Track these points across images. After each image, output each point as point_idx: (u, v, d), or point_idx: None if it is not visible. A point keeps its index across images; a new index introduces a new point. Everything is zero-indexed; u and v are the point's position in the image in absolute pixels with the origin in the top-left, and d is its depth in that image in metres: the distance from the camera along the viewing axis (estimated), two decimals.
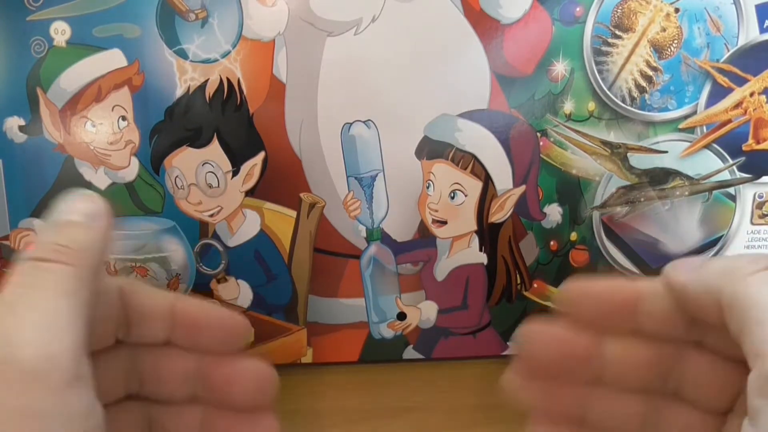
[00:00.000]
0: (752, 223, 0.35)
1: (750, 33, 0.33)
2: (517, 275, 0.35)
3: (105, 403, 0.25)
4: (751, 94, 0.33)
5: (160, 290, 0.27)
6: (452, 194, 0.34)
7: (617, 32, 0.33)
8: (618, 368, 0.26)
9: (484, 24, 0.33)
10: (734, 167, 0.34)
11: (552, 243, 0.35)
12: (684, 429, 0.26)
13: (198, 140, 0.33)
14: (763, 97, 0.33)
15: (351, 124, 0.33)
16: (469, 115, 0.33)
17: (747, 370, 0.24)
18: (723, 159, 0.34)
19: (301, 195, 0.34)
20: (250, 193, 0.34)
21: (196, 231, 0.34)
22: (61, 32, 0.32)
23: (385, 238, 0.34)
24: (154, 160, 0.33)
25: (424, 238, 0.35)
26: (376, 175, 0.34)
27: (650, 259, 0.35)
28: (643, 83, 0.33)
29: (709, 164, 0.34)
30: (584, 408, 0.27)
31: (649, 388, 0.26)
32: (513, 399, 0.27)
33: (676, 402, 0.26)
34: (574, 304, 0.26)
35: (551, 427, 0.28)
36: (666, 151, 0.34)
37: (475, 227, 0.34)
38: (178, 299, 0.26)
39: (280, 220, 0.34)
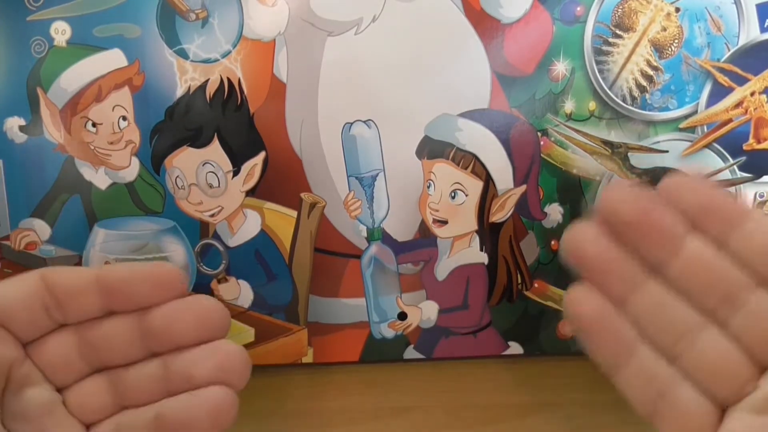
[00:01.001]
0: None
1: (751, 32, 0.33)
2: (518, 275, 0.35)
3: (68, 381, 0.26)
4: (752, 94, 0.33)
5: (82, 268, 0.27)
6: (453, 194, 0.34)
7: (618, 32, 0.33)
8: (687, 268, 0.25)
9: (484, 23, 0.33)
10: (735, 167, 0.34)
11: (553, 243, 0.35)
12: (717, 363, 0.25)
13: (198, 140, 0.33)
14: (764, 96, 0.33)
15: (351, 123, 0.33)
16: (470, 115, 0.33)
17: None
18: (724, 158, 0.34)
19: (302, 195, 0.34)
20: (250, 193, 0.34)
21: (197, 231, 0.34)
22: (61, 32, 0.32)
23: (386, 238, 0.34)
24: (154, 160, 0.33)
25: (425, 237, 0.35)
26: (377, 175, 0.34)
27: None
28: (644, 83, 0.33)
29: (709, 164, 0.34)
30: (632, 291, 0.26)
31: (705, 304, 0.25)
32: (576, 250, 0.26)
33: (722, 335, 0.25)
34: (681, 192, 0.25)
35: (594, 293, 0.26)
36: (667, 151, 0.34)
37: (475, 227, 0.34)
38: (100, 270, 0.26)
39: (281, 220, 0.34)
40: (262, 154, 0.33)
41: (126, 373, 0.27)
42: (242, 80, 0.33)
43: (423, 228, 0.35)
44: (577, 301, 0.26)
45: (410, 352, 0.36)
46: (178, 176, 0.33)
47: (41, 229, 0.33)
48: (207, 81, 0.33)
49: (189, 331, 0.26)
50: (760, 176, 0.34)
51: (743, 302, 0.24)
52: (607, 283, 0.26)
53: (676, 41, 0.33)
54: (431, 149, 0.34)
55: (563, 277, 0.35)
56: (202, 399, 0.26)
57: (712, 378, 0.25)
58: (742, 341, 0.24)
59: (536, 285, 0.35)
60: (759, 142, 0.34)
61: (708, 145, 0.34)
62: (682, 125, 0.34)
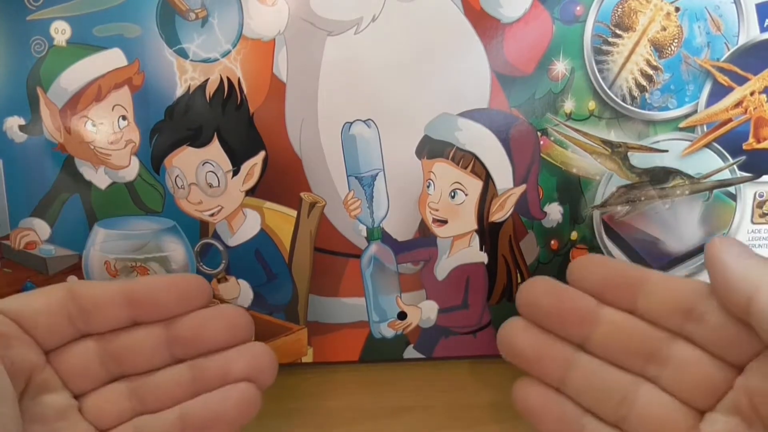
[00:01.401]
0: (753, 222, 0.35)
1: (750, 32, 0.33)
2: (518, 274, 0.35)
3: (86, 389, 0.28)
4: (752, 93, 0.33)
5: (108, 282, 0.29)
6: (453, 193, 0.34)
7: (617, 31, 0.33)
8: (608, 337, 0.28)
9: (484, 23, 0.33)
10: (735, 166, 0.34)
11: (552, 242, 0.35)
12: (660, 417, 0.26)
13: (198, 140, 0.33)
14: (764, 96, 0.33)
15: (351, 123, 0.33)
16: (470, 115, 0.33)
17: (737, 374, 0.25)
18: (723, 158, 0.34)
19: (302, 194, 0.34)
20: (250, 192, 0.34)
21: (197, 230, 0.34)
22: (61, 32, 0.32)
23: (386, 238, 0.34)
24: (154, 159, 0.33)
25: (425, 237, 0.35)
26: (377, 175, 0.34)
27: (651, 259, 0.35)
28: (644, 82, 0.33)
29: (709, 163, 0.34)
30: (567, 370, 0.28)
31: (632, 366, 0.27)
32: (510, 346, 0.29)
33: (656, 389, 0.27)
34: (584, 270, 0.28)
35: (535, 384, 0.29)
36: (666, 150, 0.34)
37: (475, 226, 0.34)
38: (126, 283, 0.28)
39: (281, 220, 0.34)
40: (261, 154, 0.33)
41: (147, 379, 0.28)
42: (242, 80, 0.33)
43: (423, 227, 0.35)
44: (521, 395, 0.30)
45: (410, 352, 0.36)
46: (177, 176, 0.33)
47: (41, 228, 0.33)
48: (207, 80, 0.33)
49: (219, 337, 0.28)
50: (760, 176, 0.34)
51: (666, 356, 0.27)
52: (544, 368, 0.29)
53: (676, 41, 0.33)
54: (431, 149, 0.34)
55: (563, 277, 0.35)
56: (230, 393, 0.27)
57: None
58: (676, 392, 0.27)
59: None
60: (759, 141, 0.34)
61: (708, 145, 0.34)
62: (681, 125, 0.34)
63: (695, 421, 0.26)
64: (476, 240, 0.35)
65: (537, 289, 0.29)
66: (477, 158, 0.34)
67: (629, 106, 0.33)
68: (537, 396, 0.29)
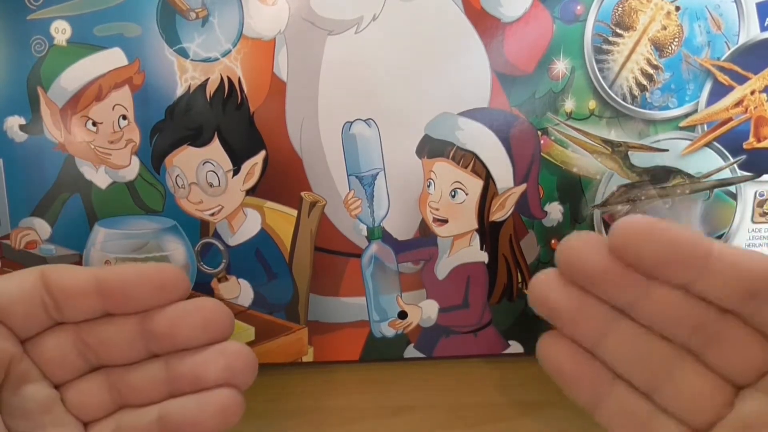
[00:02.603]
0: (753, 222, 0.35)
1: (751, 31, 0.33)
2: (518, 274, 0.35)
3: (65, 379, 0.26)
4: (752, 93, 0.33)
5: (83, 268, 0.27)
6: (453, 193, 0.34)
7: (618, 30, 0.33)
8: (656, 307, 0.25)
9: (484, 22, 0.33)
10: (735, 165, 0.34)
11: (553, 241, 0.35)
12: (697, 391, 0.25)
13: (199, 139, 0.33)
14: (764, 95, 0.33)
15: (352, 122, 0.33)
16: (470, 114, 0.33)
17: None
18: (724, 157, 0.34)
19: (302, 194, 0.34)
20: (250, 192, 0.34)
21: (197, 230, 0.34)
22: (61, 31, 0.32)
23: (386, 237, 0.34)
24: (154, 159, 0.33)
25: (425, 236, 0.35)
26: (377, 174, 0.34)
27: None
28: (644, 81, 0.33)
29: (709, 162, 0.34)
30: (605, 334, 0.26)
31: (677, 337, 0.25)
32: (544, 301, 0.26)
33: (696, 364, 0.25)
34: (635, 243, 0.24)
35: (565, 342, 0.27)
36: (667, 150, 0.34)
37: (476, 226, 0.34)
38: (100, 271, 0.26)
39: (281, 219, 0.34)
40: (262, 153, 0.33)
41: (126, 373, 0.27)
42: (242, 79, 0.33)
43: (423, 227, 0.35)
44: (551, 354, 0.27)
45: (410, 351, 0.36)
46: (178, 175, 0.33)
47: (41, 228, 0.33)
48: (207, 80, 0.33)
49: (194, 334, 0.26)
50: (760, 175, 0.34)
51: (716, 331, 0.24)
52: (580, 329, 0.26)
53: (676, 40, 0.33)
54: (431, 148, 0.34)
55: None
56: (209, 400, 0.25)
57: (690, 407, 0.25)
58: (718, 369, 0.25)
59: None
60: (759, 140, 0.34)
61: (708, 144, 0.34)
62: (682, 124, 0.34)
63: (731, 397, 0.25)
64: (477, 239, 0.35)
65: (582, 251, 0.25)
66: (477, 157, 0.34)
67: (630, 106, 0.33)
68: (567, 356, 0.26)
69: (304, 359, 0.35)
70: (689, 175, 0.34)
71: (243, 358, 0.26)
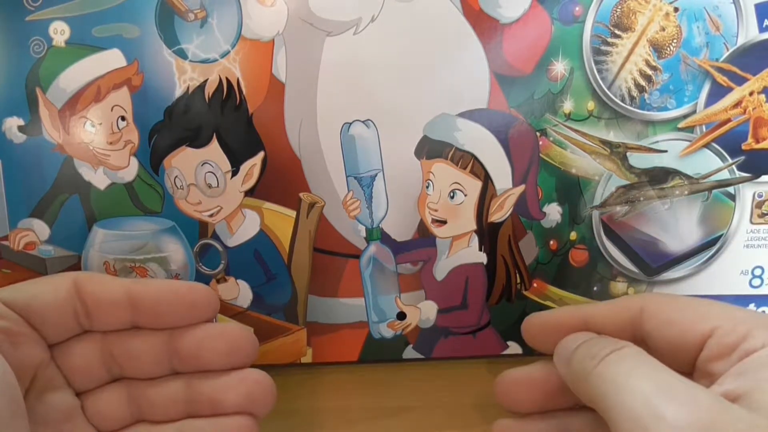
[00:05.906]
0: (752, 222, 0.35)
1: (749, 32, 0.33)
2: (517, 275, 0.35)
3: (87, 387, 0.27)
4: (751, 94, 0.33)
5: (116, 278, 0.27)
6: (452, 194, 0.34)
7: (616, 31, 0.33)
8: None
9: (483, 23, 0.33)
10: (734, 166, 0.34)
11: (552, 242, 0.35)
12: None
13: (197, 140, 0.33)
14: (763, 96, 0.33)
15: (350, 123, 0.33)
16: (469, 115, 0.33)
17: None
18: (722, 158, 0.34)
19: (301, 195, 0.34)
20: (249, 192, 0.34)
21: (196, 231, 0.34)
22: (60, 32, 0.32)
23: (385, 238, 0.34)
24: (153, 160, 0.33)
25: (424, 237, 0.35)
26: (376, 175, 0.34)
27: (650, 259, 0.35)
28: (643, 82, 0.33)
29: (708, 163, 0.34)
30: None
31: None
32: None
33: None
34: (537, 339, 0.29)
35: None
36: (665, 151, 0.34)
37: (474, 227, 0.34)
38: (133, 284, 0.26)
39: (280, 220, 0.34)
40: (260, 154, 0.33)
41: (147, 387, 0.27)
42: (241, 80, 0.33)
43: (422, 228, 0.35)
44: None
45: (409, 352, 0.36)
46: (177, 176, 0.33)
47: (40, 229, 0.33)
48: (206, 81, 0.33)
49: (218, 358, 0.26)
50: (759, 176, 0.34)
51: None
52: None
53: (675, 41, 0.33)
54: (430, 149, 0.34)
55: (562, 276, 0.35)
56: (225, 427, 0.26)
57: None
58: None
59: (535, 285, 0.35)
60: (758, 141, 0.34)
61: (707, 145, 0.34)
62: (680, 125, 0.34)
63: None
64: (475, 240, 0.35)
65: (512, 390, 0.30)
66: (476, 158, 0.34)
67: (628, 107, 0.33)
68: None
69: (303, 360, 0.35)
70: (688, 176, 0.34)
71: (263, 387, 0.26)
